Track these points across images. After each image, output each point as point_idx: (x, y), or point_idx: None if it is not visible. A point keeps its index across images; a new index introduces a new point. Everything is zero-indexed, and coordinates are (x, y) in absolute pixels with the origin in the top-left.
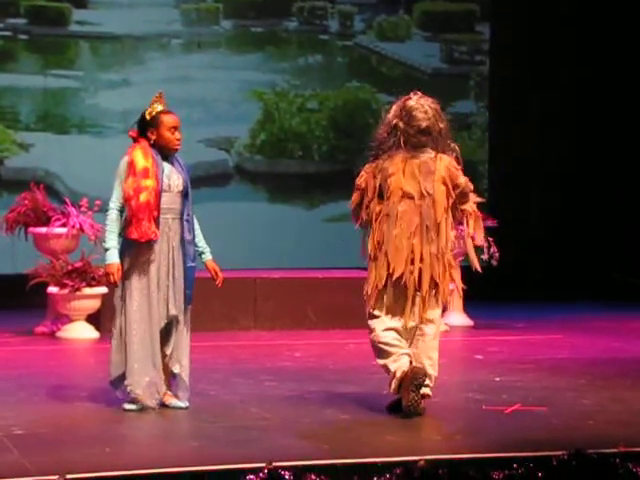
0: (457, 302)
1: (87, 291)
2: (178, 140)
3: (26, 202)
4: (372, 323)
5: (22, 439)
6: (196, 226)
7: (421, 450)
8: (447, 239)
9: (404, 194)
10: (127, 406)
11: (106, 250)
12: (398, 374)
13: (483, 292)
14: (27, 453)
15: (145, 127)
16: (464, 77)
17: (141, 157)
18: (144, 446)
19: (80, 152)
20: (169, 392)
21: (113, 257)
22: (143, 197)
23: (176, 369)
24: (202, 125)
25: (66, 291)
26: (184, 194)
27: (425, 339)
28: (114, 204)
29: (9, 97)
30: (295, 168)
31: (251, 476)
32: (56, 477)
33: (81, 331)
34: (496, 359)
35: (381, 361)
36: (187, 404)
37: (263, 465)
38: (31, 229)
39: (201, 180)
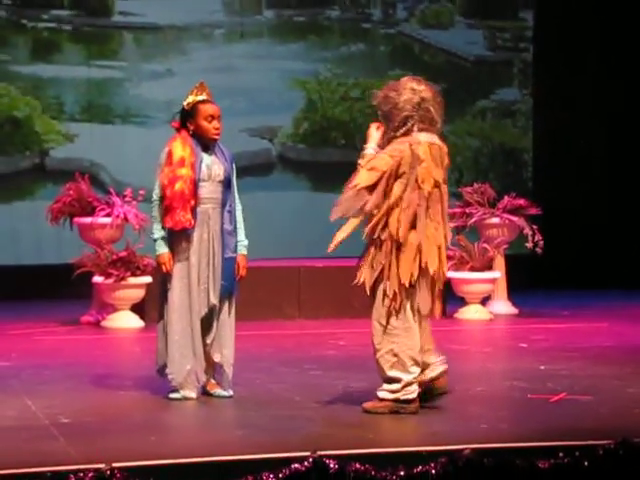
0: (502, 290)
1: (132, 280)
2: (216, 129)
3: (71, 192)
4: (400, 326)
5: (68, 427)
6: (239, 217)
7: (466, 439)
8: (449, 227)
9: (435, 183)
10: (171, 395)
11: (155, 241)
12: (410, 396)
13: (528, 280)
14: (73, 441)
15: (185, 117)
16: (507, 64)
17: (179, 147)
18: (189, 435)
19: (124, 142)
20: (212, 381)
21: (162, 247)
22: (178, 186)
23: (217, 358)
24: (245, 115)
25: (111, 281)
26: (226, 184)
27: (427, 331)
28: (157, 195)
29: (54, 88)
30: (338, 157)
31: (296, 465)
32: (102, 465)
33: (126, 320)
34: (541, 347)
35: (393, 373)
36: (231, 393)
37: (308, 454)
38: (76, 219)
39: (244, 170)
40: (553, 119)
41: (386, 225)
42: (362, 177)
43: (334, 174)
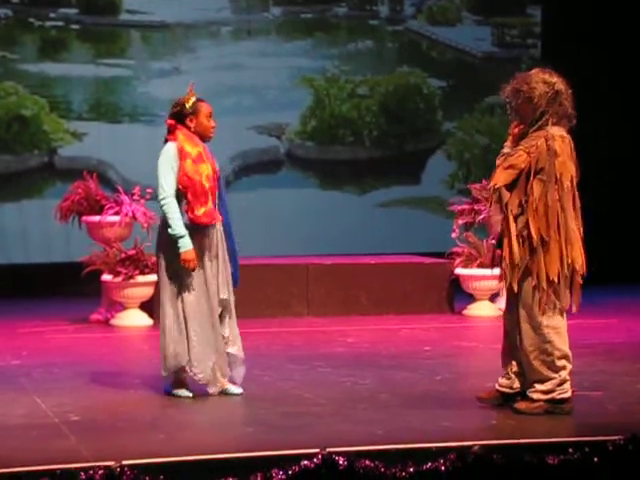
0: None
1: (140, 279)
2: (213, 127)
3: (79, 191)
4: (550, 324)
5: (78, 425)
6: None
7: (475, 435)
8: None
9: (571, 177)
10: (180, 392)
11: (180, 237)
12: (565, 395)
13: None
14: (83, 439)
15: (184, 115)
16: (515, 61)
17: (188, 143)
18: (198, 432)
19: (132, 140)
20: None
21: (189, 244)
22: (205, 181)
23: (234, 350)
24: (253, 112)
25: (120, 279)
26: (218, 179)
27: None
28: (169, 191)
29: (61, 87)
30: (346, 154)
31: (305, 462)
32: (112, 463)
33: (135, 318)
34: None
35: (547, 373)
36: (241, 390)
37: (317, 451)
38: (84, 217)
39: (252, 167)
40: None
41: (528, 222)
42: (500, 176)
43: (342, 171)
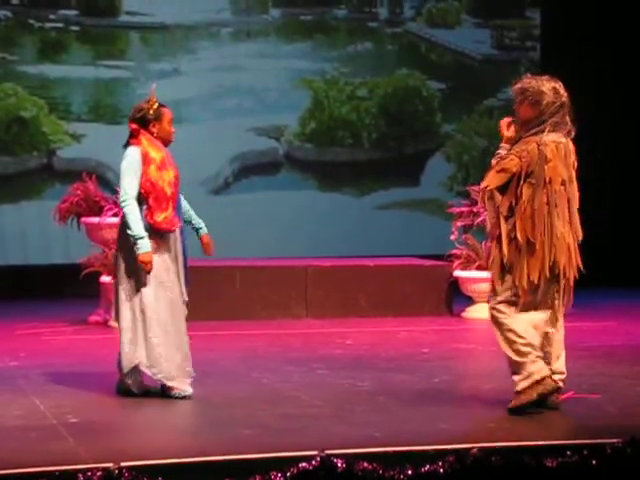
0: None
1: None
2: (174, 133)
3: (78, 192)
4: (518, 321)
5: (77, 427)
6: (187, 205)
7: (474, 438)
8: (579, 225)
9: (562, 181)
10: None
11: (139, 239)
12: (536, 377)
13: None
14: (82, 441)
15: (147, 121)
16: (514, 63)
17: (153, 149)
18: (197, 434)
19: None
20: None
21: (147, 245)
22: (168, 188)
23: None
24: (252, 114)
25: None
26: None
27: (557, 336)
28: (131, 193)
29: (61, 88)
30: (345, 156)
31: (304, 464)
32: (110, 464)
33: None
34: None
35: (518, 358)
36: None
37: (315, 453)
38: (83, 219)
39: (251, 169)
40: None
41: (516, 224)
42: (493, 179)
43: (341, 173)
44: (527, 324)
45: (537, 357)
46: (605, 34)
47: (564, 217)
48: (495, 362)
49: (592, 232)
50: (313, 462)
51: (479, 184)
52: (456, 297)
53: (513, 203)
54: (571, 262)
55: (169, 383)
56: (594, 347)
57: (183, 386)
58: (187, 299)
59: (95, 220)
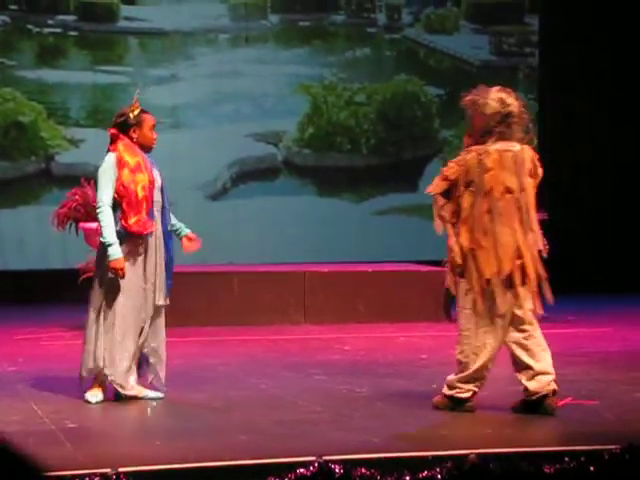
0: None
1: None
2: (155, 139)
3: (76, 197)
4: (471, 327)
5: (75, 432)
6: (173, 218)
7: (472, 444)
8: (538, 231)
9: (505, 189)
10: (89, 396)
11: (109, 245)
12: (457, 394)
13: None
14: (79, 446)
15: (128, 126)
16: (513, 69)
17: (129, 153)
18: (194, 439)
19: None
20: (146, 383)
21: (118, 252)
22: (140, 191)
23: (152, 360)
24: (250, 119)
25: None
26: (161, 189)
27: (531, 341)
28: (106, 201)
29: (59, 93)
30: (343, 162)
31: (301, 470)
32: (108, 470)
33: None
34: None
35: (459, 372)
36: (162, 394)
37: (313, 459)
38: (82, 224)
39: (249, 174)
40: (559, 123)
41: (461, 231)
42: (436, 185)
43: (339, 179)
44: (481, 347)
45: (474, 377)
46: (603, 40)
47: (511, 225)
48: (493, 368)
49: (590, 237)
50: (311, 468)
51: None
52: (454, 303)
53: (457, 210)
54: (526, 269)
55: (120, 389)
56: (591, 353)
57: (140, 392)
58: (165, 303)
59: (93, 225)
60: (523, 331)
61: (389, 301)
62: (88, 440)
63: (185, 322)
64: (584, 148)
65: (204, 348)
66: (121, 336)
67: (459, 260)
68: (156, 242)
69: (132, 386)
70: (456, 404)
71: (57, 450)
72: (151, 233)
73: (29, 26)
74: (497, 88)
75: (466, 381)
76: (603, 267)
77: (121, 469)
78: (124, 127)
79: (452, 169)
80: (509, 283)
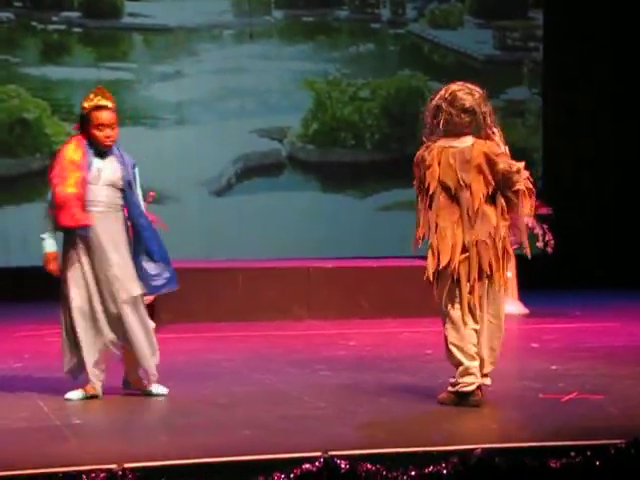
0: (512, 290)
1: None
2: (107, 137)
3: None
4: (447, 320)
5: (80, 428)
6: (142, 223)
7: (477, 439)
8: (496, 226)
9: (441, 185)
10: (70, 395)
11: (42, 240)
12: (463, 389)
13: (538, 280)
14: (85, 442)
15: (82, 121)
16: (517, 64)
17: (72, 150)
18: (200, 435)
19: (134, 143)
20: (142, 380)
21: (49, 246)
22: (70, 187)
23: (137, 354)
24: (255, 115)
25: None
26: (123, 189)
27: (486, 331)
28: (48, 197)
29: (63, 90)
30: (347, 157)
31: (307, 465)
32: (114, 466)
33: None
34: (552, 347)
35: (457, 367)
36: (160, 391)
37: (319, 454)
38: None
39: (254, 170)
40: (563, 118)
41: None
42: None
43: (343, 175)
44: (462, 333)
45: (467, 367)
46: (608, 34)
47: (451, 220)
48: (499, 363)
49: (595, 233)
50: (316, 463)
51: None
52: None
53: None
54: (470, 264)
55: (89, 383)
56: (596, 348)
57: (99, 389)
58: (134, 295)
59: None
60: (476, 322)
61: (393, 296)
62: (93, 436)
63: (189, 318)
64: (589, 142)
65: (208, 344)
66: (84, 335)
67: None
68: (104, 242)
69: (99, 384)
70: (461, 398)
71: (63, 446)
72: (85, 229)
73: (33, 23)
74: (456, 84)
75: (463, 374)
76: (610, 262)
77: (126, 465)
78: (81, 121)
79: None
80: (456, 277)
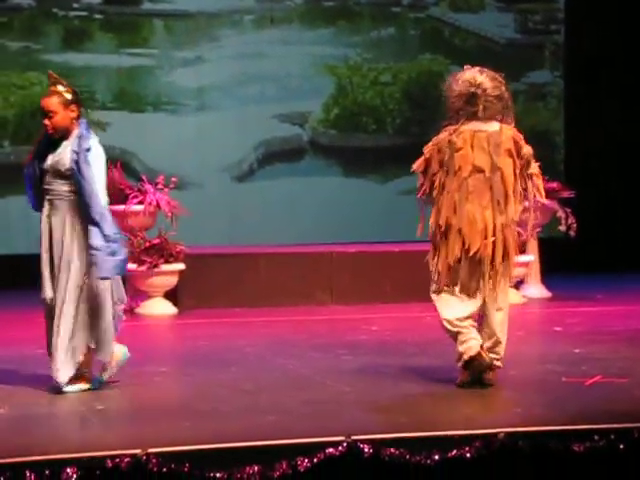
0: (535, 274)
1: (165, 267)
2: (46, 126)
3: None
4: (440, 301)
5: (104, 414)
6: (94, 209)
7: (500, 423)
8: (515, 211)
9: (474, 168)
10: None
11: None
12: (465, 357)
13: (561, 263)
14: (109, 427)
15: None
16: (539, 47)
17: (40, 137)
18: (223, 420)
19: (156, 129)
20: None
21: None
22: (25, 170)
23: (93, 346)
24: (276, 101)
25: (144, 268)
26: (74, 176)
27: (498, 314)
28: None
29: (85, 76)
30: (369, 142)
31: (330, 450)
32: (138, 451)
33: (159, 307)
34: (575, 331)
35: (453, 338)
36: (103, 378)
37: (342, 439)
38: (109, 207)
39: (275, 155)
40: (584, 102)
41: (435, 209)
42: (417, 162)
43: (365, 159)
44: (454, 306)
45: (465, 338)
46: (630, 17)
47: (480, 203)
48: (521, 347)
49: (618, 216)
50: (340, 448)
51: None
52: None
53: (427, 189)
54: (495, 247)
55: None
56: (619, 331)
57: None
58: (83, 282)
59: (120, 208)
60: (488, 308)
61: (416, 281)
62: (117, 421)
63: (211, 303)
64: (611, 125)
65: (231, 329)
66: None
67: (434, 237)
68: (54, 231)
69: (60, 382)
70: (470, 366)
71: (87, 431)
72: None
73: (54, 10)
74: (468, 69)
75: (462, 343)
76: (632, 245)
77: (150, 450)
78: None
79: (428, 147)
80: (478, 260)
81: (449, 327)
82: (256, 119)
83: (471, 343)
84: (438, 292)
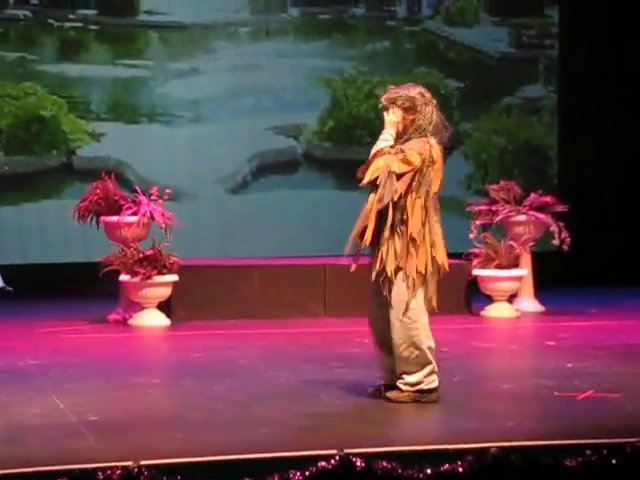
0: (528, 288)
1: (158, 279)
2: None
3: (97, 191)
4: (417, 318)
5: (96, 425)
6: None
7: (493, 437)
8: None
9: (441, 183)
10: None
11: None
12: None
13: (554, 277)
14: (101, 439)
15: None
16: (533, 61)
17: None
18: (215, 432)
19: (150, 141)
20: None
21: None
22: None
23: None
24: (271, 113)
25: (137, 279)
26: None
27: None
28: None
29: (80, 87)
30: (364, 155)
31: (323, 463)
32: (130, 463)
33: (152, 318)
34: (568, 345)
35: (415, 365)
36: None
37: (334, 452)
38: (102, 218)
39: (270, 167)
40: (578, 115)
41: (405, 218)
42: (398, 166)
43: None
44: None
45: (433, 367)
46: (623, 32)
47: (437, 217)
48: (514, 361)
49: (611, 230)
50: (332, 461)
51: (497, 182)
52: (475, 296)
53: (403, 195)
54: (445, 260)
55: None
56: (612, 346)
57: None
58: None
59: (114, 219)
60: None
61: None
62: (110, 433)
63: (205, 315)
64: (604, 139)
65: (224, 341)
66: None
67: (399, 249)
68: None
69: None
70: (424, 395)
71: (79, 443)
72: None
73: (50, 20)
74: (411, 84)
75: (430, 373)
76: (625, 260)
77: (143, 462)
78: None
79: (414, 156)
80: (436, 273)
81: (429, 357)
82: (251, 131)
83: (436, 376)
84: (413, 311)
